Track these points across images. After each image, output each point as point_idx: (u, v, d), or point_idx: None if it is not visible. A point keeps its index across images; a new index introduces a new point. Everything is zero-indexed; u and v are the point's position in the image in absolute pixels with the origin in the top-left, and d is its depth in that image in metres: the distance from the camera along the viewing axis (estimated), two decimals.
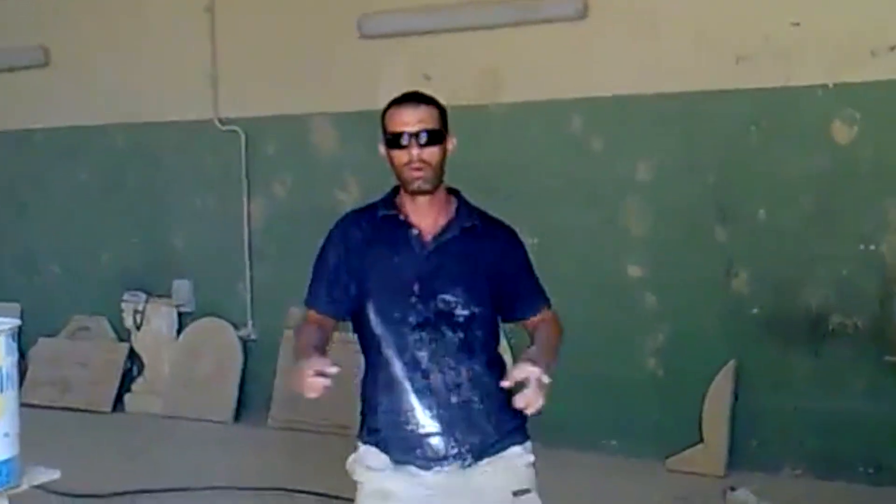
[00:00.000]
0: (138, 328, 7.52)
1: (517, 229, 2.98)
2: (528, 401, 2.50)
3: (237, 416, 7.16)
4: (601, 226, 6.08)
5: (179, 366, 7.41)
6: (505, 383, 2.59)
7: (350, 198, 6.66)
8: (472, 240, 2.81)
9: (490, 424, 2.78)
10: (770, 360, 5.69)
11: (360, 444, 2.90)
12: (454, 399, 2.74)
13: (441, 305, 2.73)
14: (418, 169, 2.71)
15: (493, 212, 2.97)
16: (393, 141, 2.74)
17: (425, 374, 2.74)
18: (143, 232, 7.65)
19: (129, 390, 7.58)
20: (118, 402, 7.53)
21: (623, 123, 6.02)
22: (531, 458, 2.86)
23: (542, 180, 6.11)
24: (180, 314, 7.49)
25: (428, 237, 2.78)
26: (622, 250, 6.02)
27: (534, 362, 2.54)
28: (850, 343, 5.51)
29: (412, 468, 2.77)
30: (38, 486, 3.15)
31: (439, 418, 2.74)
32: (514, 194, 5.94)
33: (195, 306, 7.46)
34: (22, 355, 7.85)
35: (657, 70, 5.86)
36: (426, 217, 2.80)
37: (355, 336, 2.89)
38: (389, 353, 2.75)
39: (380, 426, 2.81)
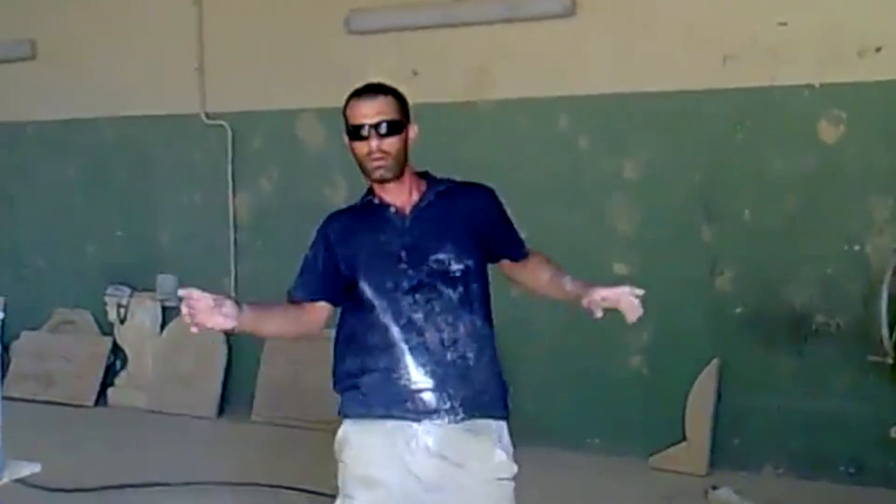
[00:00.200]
0: (122, 322, 7.50)
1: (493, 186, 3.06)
2: (636, 310, 2.74)
3: (221, 410, 7.15)
4: (587, 224, 6.09)
5: (163, 360, 7.39)
6: (598, 314, 2.78)
7: (337, 193, 6.65)
8: (447, 200, 2.91)
9: (482, 378, 2.85)
10: (753, 359, 5.71)
11: (344, 420, 2.92)
12: (449, 356, 2.80)
13: (435, 266, 2.81)
14: (379, 159, 2.79)
15: None
16: (354, 133, 2.83)
17: (420, 333, 2.80)
18: (129, 226, 7.63)
19: (112, 384, 7.56)
20: (101, 396, 7.51)
21: (610, 122, 6.03)
22: (515, 468, 2.88)
23: (529, 178, 6.11)
24: (164, 308, 7.47)
25: (405, 210, 2.87)
26: (608, 248, 6.03)
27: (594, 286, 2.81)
28: (834, 343, 5.53)
29: (399, 424, 2.79)
30: (19, 480, 3.14)
31: (432, 374, 2.79)
32: (501, 191, 5.92)
33: (179, 300, 7.42)
34: (5, 349, 7.86)
35: (644, 69, 5.87)
36: (400, 196, 2.89)
37: (340, 320, 2.95)
38: (387, 319, 2.81)
39: (363, 383, 2.85)
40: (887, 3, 5.40)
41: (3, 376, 7.74)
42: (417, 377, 2.79)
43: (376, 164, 2.79)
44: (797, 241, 5.59)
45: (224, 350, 7.21)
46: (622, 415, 6.00)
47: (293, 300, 2.93)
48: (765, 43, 5.58)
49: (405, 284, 2.80)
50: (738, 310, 5.75)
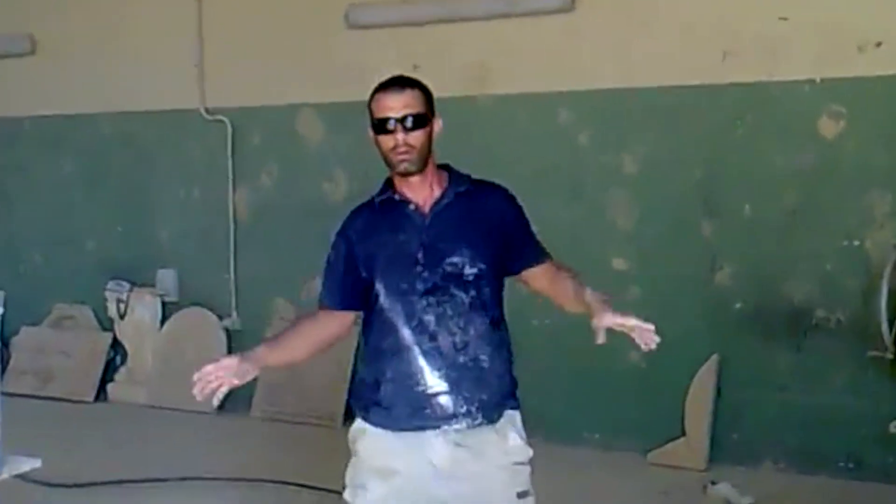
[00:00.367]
0: (122, 317, 7.49)
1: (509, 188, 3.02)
2: (651, 338, 2.71)
3: (220, 406, 7.12)
4: (587, 219, 6.09)
5: (163, 356, 7.39)
6: (601, 340, 2.77)
7: (337, 189, 6.66)
8: (466, 202, 2.87)
9: (496, 380, 2.85)
10: (753, 355, 5.71)
11: (362, 421, 2.91)
12: (462, 359, 2.80)
13: (449, 269, 2.79)
14: (405, 152, 2.76)
15: None
16: (379, 126, 2.79)
17: (433, 337, 2.79)
18: (128, 221, 7.63)
19: (112, 380, 7.56)
20: (101, 392, 7.51)
21: (610, 117, 6.03)
22: (530, 452, 2.90)
23: (529, 173, 6.10)
24: (164, 304, 7.47)
25: (425, 208, 2.85)
26: (607, 243, 6.03)
27: (612, 310, 2.75)
28: (833, 338, 5.53)
29: (421, 434, 2.79)
30: (19, 476, 3.14)
31: (447, 378, 2.79)
32: None
33: (179, 296, 7.44)
34: (4, 344, 7.86)
35: (644, 64, 5.87)
36: (421, 192, 2.86)
37: (364, 326, 2.94)
38: (398, 322, 2.80)
39: (383, 396, 2.83)
40: None
41: (3, 372, 7.75)
42: (433, 381, 2.78)
43: (401, 157, 2.77)
44: (797, 236, 5.59)
45: (224, 346, 7.20)
46: (621, 410, 6.00)
47: (322, 307, 2.95)
48: (765, 38, 5.57)
49: (420, 287, 2.79)
50: (738, 305, 5.75)
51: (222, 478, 5.51)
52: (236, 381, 2.72)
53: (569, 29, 6.05)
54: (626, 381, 5.98)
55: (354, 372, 6.41)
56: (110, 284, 7.51)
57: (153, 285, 7.45)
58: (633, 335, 2.72)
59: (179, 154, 7.41)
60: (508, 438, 2.85)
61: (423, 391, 2.78)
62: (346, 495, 2.87)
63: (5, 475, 2.83)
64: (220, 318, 7.26)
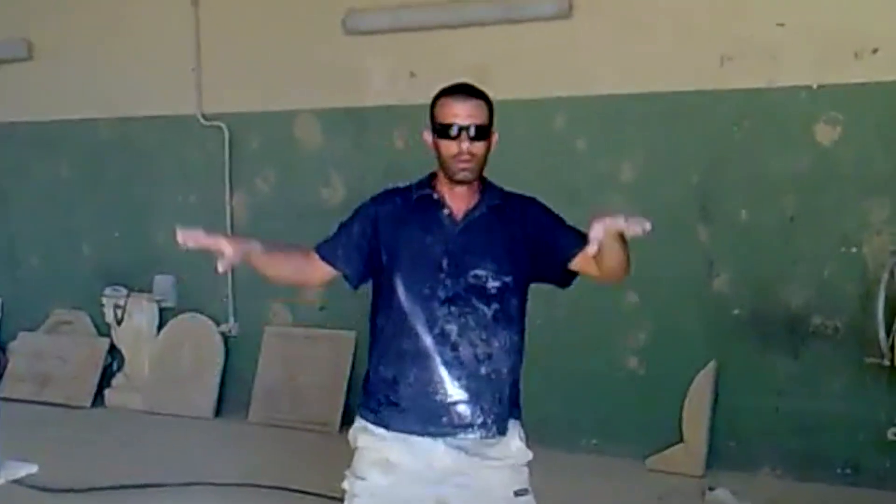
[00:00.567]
0: (119, 323, 7.48)
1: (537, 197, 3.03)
2: (643, 224, 2.73)
3: (217, 411, 7.14)
4: (584, 224, 6.05)
5: (160, 361, 7.39)
6: (592, 249, 2.69)
7: (334, 194, 6.65)
8: (497, 215, 2.89)
9: (510, 390, 2.87)
10: (750, 361, 5.71)
11: (362, 419, 2.91)
12: (483, 370, 2.81)
13: (472, 280, 2.80)
14: (466, 161, 2.80)
15: None
16: (442, 131, 2.81)
17: (454, 348, 2.80)
18: (125, 226, 7.62)
19: (109, 385, 7.55)
20: (98, 397, 7.50)
21: (607, 122, 6.03)
22: (530, 455, 2.92)
23: (526, 178, 6.06)
24: (161, 309, 7.46)
25: (458, 216, 2.87)
26: None
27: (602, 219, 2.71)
28: (831, 344, 5.54)
29: (429, 440, 2.80)
30: (16, 481, 3.14)
31: (467, 388, 2.80)
32: None
33: (176, 301, 7.43)
34: (2, 350, 7.86)
35: (642, 69, 5.88)
36: (459, 200, 2.88)
37: (373, 315, 2.95)
38: (418, 326, 2.81)
39: (402, 397, 2.83)
40: (884, 5, 5.40)
41: (1, 377, 7.74)
42: (453, 390, 2.80)
43: (462, 165, 2.80)
44: (794, 242, 5.60)
45: (221, 351, 7.21)
46: (619, 416, 6.00)
47: (317, 253, 2.95)
48: (762, 44, 5.58)
49: (441, 294, 2.79)
50: (736, 311, 5.75)
51: (220, 483, 5.50)
52: (226, 247, 2.78)
53: (566, 35, 6.06)
54: (624, 386, 5.99)
55: (353, 372, 6.43)
56: (107, 290, 7.50)
57: (150, 291, 7.44)
58: (628, 233, 2.76)
59: (177, 159, 7.41)
60: (511, 443, 2.87)
61: (442, 400, 2.80)
62: (345, 484, 2.88)
63: (2, 480, 2.83)
64: (217, 323, 7.26)
